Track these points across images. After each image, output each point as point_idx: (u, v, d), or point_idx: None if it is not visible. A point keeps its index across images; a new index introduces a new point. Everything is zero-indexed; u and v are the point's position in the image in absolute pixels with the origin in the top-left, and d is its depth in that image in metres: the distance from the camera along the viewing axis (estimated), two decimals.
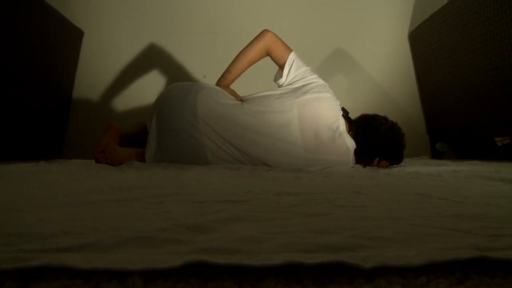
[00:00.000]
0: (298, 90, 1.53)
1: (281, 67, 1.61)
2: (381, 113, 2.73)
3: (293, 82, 1.58)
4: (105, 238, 0.36)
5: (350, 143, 1.48)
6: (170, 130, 1.42)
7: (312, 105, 1.49)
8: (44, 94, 2.25)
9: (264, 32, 1.62)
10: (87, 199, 0.61)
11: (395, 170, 1.29)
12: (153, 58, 2.70)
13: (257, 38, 1.61)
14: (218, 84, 1.58)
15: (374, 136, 1.53)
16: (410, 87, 2.81)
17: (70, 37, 2.52)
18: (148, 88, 2.66)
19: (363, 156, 1.52)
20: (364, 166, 1.50)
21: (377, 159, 1.52)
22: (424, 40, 2.62)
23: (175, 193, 0.66)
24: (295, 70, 1.60)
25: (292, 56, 1.61)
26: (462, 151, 2.74)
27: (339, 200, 0.61)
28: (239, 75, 1.61)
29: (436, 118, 2.66)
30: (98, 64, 2.69)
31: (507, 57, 1.88)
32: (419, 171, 1.25)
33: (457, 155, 2.73)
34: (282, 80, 1.60)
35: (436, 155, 2.70)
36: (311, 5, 2.87)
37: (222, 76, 1.60)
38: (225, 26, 2.78)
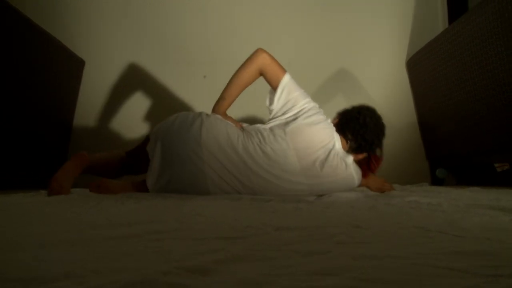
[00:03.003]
0: (289, 122, 1.53)
1: (274, 89, 1.58)
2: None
3: (285, 111, 1.57)
4: (106, 283, 0.36)
5: (349, 161, 1.50)
6: (174, 158, 1.43)
7: (303, 132, 1.49)
8: (45, 122, 2.26)
9: (258, 52, 1.58)
10: (87, 236, 0.61)
11: (396, 199, 1.29)
12: (152, 87, 2.73)
13: (250, 58, 1.57)
14: (214, 111, 1.58)
15: (364, 132, 1.59)
16: (409, 113, 2.83)
17: (72, 67, 2.55)
18: (148, 116, 2.69)
19: (361, 150, 1.59)
20: (366, 171, 1.60)
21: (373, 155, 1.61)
22: (421, 68, 2.65)
23: (175, 229, 0.66)
24: (287, 94, 1.57)
25: (286, 79, 1.57)
26: (462, 177, 2.74)
27: (339, 235, 0.61)
28: (234, 100, 1.59)
29: (435, 145, 2.67)
30: (99, 93, 2.72)
31: (504, 84, 1.91)
32: (419, 200, 1.25)
33: (457, 181, 2.73)
34: (273, 106, 1.58)
35: (436, 181, 2.70)
36: (310, 33, 2.92)
37: (217, 103, 1.58)
38: (222, 54, 2.82)
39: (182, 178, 1.44)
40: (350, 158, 1.52)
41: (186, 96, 2.78)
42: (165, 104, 2.74)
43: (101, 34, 2.79)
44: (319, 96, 2.86)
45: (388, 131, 2.78)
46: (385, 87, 2.88)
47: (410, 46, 2.89)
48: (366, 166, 1.65)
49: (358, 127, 1.58)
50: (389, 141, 2.78)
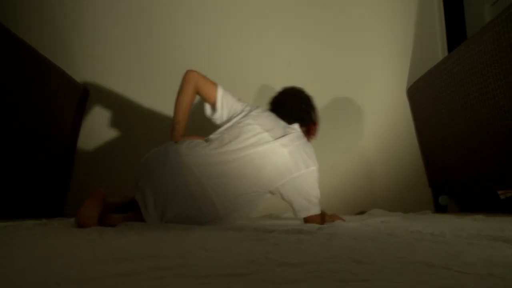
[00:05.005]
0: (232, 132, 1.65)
1: (213, 103, 1.72)
2: (383, 166, 2.76)
3: (230, 118, 1.72)
4: None
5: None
6: (169, 196, 1.48)
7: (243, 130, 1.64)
8: (48, 151, 2.27)
9: (188, 73, 1.70)
10: (90, 274, 0.61)
11: (398, 229, 1.29)
12: (156, 114, 2.75)
13: (183, 82, 1.69)
14: (174, 139, 1.65)
15: (285, 109, 1.82)
16: (411, 141, 2.84)
17: (76, 95, 2.58)
18: (153, 144, 2.69)
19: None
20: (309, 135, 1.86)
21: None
22: (422, 95, 2.68)
23: (178, 265, 0.66)
24: (226, 104, 1.73)
25: (220, 91, 1.73)
26: (465, 204, 2.73)
27: (341, 272, 0.61)
28: (186, 121, 1.69)
29: (437, 172, 2.67)
30: (102, 122, 2.73)
31: (504, 111, 1.92)
32: (422, 230, 1.25)
33: (460, 208, 2.72)
34: (217, 115, 1.74)
35: (439, 208, 2.69)
36: (310, 61, 2.96)
37: (174, 129, 1.67)
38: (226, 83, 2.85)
39: (183, 206, 1.49)
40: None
41: (191, 123, 2.79)
42: (169, 131, 2.76)
43: (105, 63, 2.83)
44: (321, 122, 2.88)
45: (390, 158, 2.81)
46: (386, 114, 2.90)
47: (410, 74, 2.93)
48: (308, 135, 1.87)
49: (279, 108, 1.84)
50: (391, 169, 2.80)
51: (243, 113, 1.72)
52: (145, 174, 1.55)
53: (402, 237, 1.09)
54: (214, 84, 1.74)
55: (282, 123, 1.75)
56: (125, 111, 2.77)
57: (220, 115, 1.74)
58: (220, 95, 1.73)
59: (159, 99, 2.74)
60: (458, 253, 0.80)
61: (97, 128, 2.73)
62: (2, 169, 1.87)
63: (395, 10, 3.06)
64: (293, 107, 1.85)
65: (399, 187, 2.76)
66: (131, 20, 2.90)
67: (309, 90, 2.90)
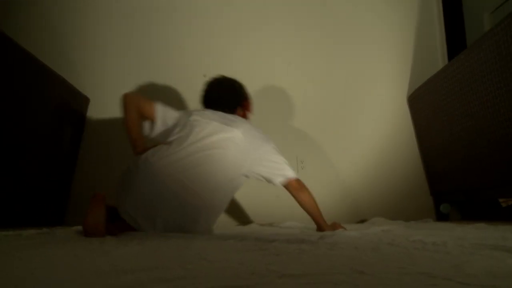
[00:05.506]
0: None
1: (153, 118, 1.83)
2: (382, 175, 2.76)
3: (172, 126, 1.82)
4: None
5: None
6: (157, 203, 1.56)
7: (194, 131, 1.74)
8: (49, 159, 2.28)
9: (125, 97, 1.82)
10: (92, 286, 0.61)
11: (400, 238, 1.28)
12: None
13: (125, 104, 1.80)
14: (137, 153, 1.72)
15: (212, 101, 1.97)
16: (412, 149, 2.84)
17: (76, 104, 2.59)
18: None
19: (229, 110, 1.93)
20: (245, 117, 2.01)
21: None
22: (422, 103, 2.68)
23: (180, 277, 0.66)
24: (167, 114, 1.85)
25: (158, 105, 1.85)
26: (467, 212, 2.73)
27: (343, 284, 0.61)
28: (141, 135, 1.81)
29: (439, 180, 2.66)
30: (103, 130, 2.74)
31: (504, 120, 1.92)
32: (423, 239, 1.24)
33: (462, 216, 2.71)
34: (157, 128, 1.83)
35: (441, 217, 2.68)
36: (312, 70, 2.97)
37: (134, 146, 1.76)
38: None
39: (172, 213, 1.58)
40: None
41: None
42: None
43: (105, 71, 2.84)
44: (320, 131, 2.88)
45: (391, 166, 2.81)
46: (387, 122, 2.91)
47: (411, 82, 2.93)
48: (245, 112, 2.05)
49: (210, 102, 1.97)
50: (392, 177, 2.80)
51: (187, 115, 1.83)
52: (125, 194, 1.61)
53: (403, 247, 1.09)
54: (152, 101, 1.87)
55: (221, 113, 1.87)
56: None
57: (161, 125, 1.83)
58: (159, 108, 1.85)
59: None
60: (460, 263, 0.80)
61: (98, 136, 2.73)
62: (3, 177, 1.87)
63: (395, 19, 3.08)
64: (219, 96, 1.98)
65: (400, 195, 2.76)
66: (131, 28, 2.92)
67: (310, 98, 2.93)
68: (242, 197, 2.69)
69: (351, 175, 2.82)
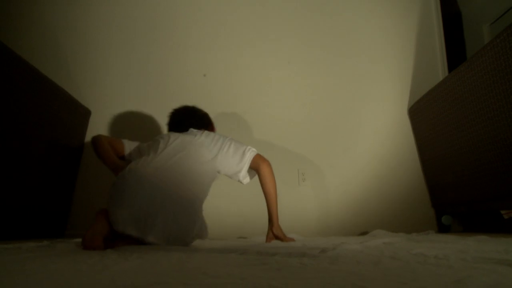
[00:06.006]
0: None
1: (122, 150, 2.06)
2: (383, 187, 2.76)
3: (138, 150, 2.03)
4: None
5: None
6: (137, 205, 1.61)
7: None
8: (49, 172, 2.27)
9: (95, 139, 2.01)
10: None
11: (402, 252, 1.28)
12: (156, 135, 2.74)
13: (97, 142, 1.98)
14: (118, 171, 1.79)
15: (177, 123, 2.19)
16: (413, 160, 2.84)
17: (78, 116, 2.59)
18: None
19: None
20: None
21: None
22: (423, 115, 2.68)
23: None
24: (134, 145, 2.09)
25: (126, 142, 2.10)
26: (469, 224, 2.71)
27: None
28: (118, 161, 1.95)
29: (440, 192, 2.66)
30: None
31: (505, 131, 1.92)
32: (425, 253, 1.24)
33: (464, 228, 2.70)
34: (129, 152, 2.06)
35: (443, 228, 2.67)
36: (314, 82, 2.98)
37: (115, 169, 1.88)
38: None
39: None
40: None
41: None
42: None
43: (106, 83, 2.85)
44: (321, 144, 2.88)
45: (392, 178, 2.81)
46: (388, 134, 2.91)
47: (411, 94, 2.94)
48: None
49: (173, 126, 2.20)
50: (393, 189, 2.80)
51: (151, 141, 2.02)
52: (118, 206, 1.61)
53: (405, 261, 1.08)
54: (118, 138, 2.12)
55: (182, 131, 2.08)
56: (126, 132, 2.78)
57: (132, 150, 2.07)
58: (127, 142, 2.10)
59: (160, 120, 2.75)
60: (462, 278, 0.79)
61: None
62: (3, 189, 1.87)
63: (395, 31, 3.10)
64: (182, 121, 2.18)
65: (402, 207, 2.75)
66: (133, 41, 2.94)
67: (310, 111, 2.93)
68: (241, 209, 2.68)
69: (352, 188, 2.81)
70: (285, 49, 3.02)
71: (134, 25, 2.97)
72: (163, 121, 2.75)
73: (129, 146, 2.09)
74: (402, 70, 3.03)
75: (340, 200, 2.79)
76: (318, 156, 2.86)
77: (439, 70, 3.01)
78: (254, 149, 2.02)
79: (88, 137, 2.72)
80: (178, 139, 1.92)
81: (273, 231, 2.00)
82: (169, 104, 2.81)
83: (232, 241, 2.23)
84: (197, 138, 1.96)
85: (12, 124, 1.86)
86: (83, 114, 2.65)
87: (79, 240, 1.64)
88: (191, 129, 2.09)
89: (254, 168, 2.01)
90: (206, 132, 2.05)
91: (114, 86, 2.85)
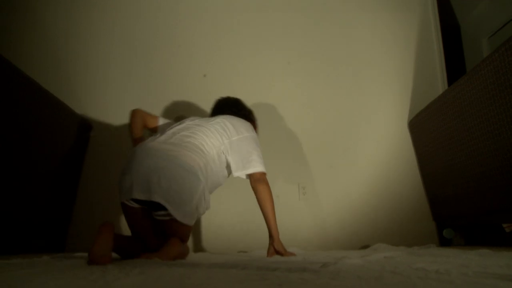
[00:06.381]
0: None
1: (155, 124, 2.22)
2: (384, 200, 2.76)
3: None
4: None
5: None
6: (145, 168, 1.75)
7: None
8: (50, 185, 2.28)
9: (132, 112, 2.19)
10: None
11: (403, 266, 1.27)
12: None
13: (132, 117, 2.17)
14: (135, 143, 2.06)
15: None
16: (414, 174, 2.84)
17: (79, 130, 2.60)
18: None
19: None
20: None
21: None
22: (423, 129, 2.69)
23: None
24: (167, 123, 2.23)
25: (161, 118, 2.26)
26: (471, 237, 2.70)
27: None
28: (141, 136, 2.16)
29: (441, 206, 2.65)
30: (105, 157, 2.75)
31: (505, 144, 1.92)
32: (427, 267, 1.23)
33: (465, 241, 2.69)
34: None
35: (444, 242, 2.66)
36: (315, 95, 3.00)
37: (133, 140, 2.12)
38: None
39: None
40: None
41: None
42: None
43: (108, 98, 2.87)
44: (322, 158, 2.89)
45: (393, 191, 2.80)
46: (388, 148, 2.92)
47: (411, 107, 2.96)
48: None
49: (215, 109, 2.34)
50: (394, 202, 2.79)
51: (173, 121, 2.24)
52: (126, 173, 1.78)
53: (406, 276, 1.08)
54: (154, 115, 2.28)
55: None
56: (126, 145, 2.78)
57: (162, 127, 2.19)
58: (161, 119, 2.26)
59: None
60: None
61: (99, 161, 2.74)
62: (4, 203, 1.87)
63: (395, 44, 3.13)
64: (223, 107, 2.31)
65: (403, 221, 2.74)
66: (134, 56, 2.96)
67: (311, 124, 2.94)
68: (242, 222, 2.68)
69: (353, 201, 2.81)
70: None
71: (134, 32, 2.99)
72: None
73: (163, 121, 2.26)
74: (401, 83, 3.05)
75: (340, 214, 2.79)
76: (319, 170, 2.86)
77: (439, 83, 3.02)
78: (262, 164, 2.05)
79: (89, 151, 2.72)
80: (194, 120, 2.08)
81: (274, 246, 2.00)
82: (170, 112, 2.82)
83: (232, 255, 2.22)
84: (216, 121, 2.07)
85: (13, 138, 1.87)
86: (84, 128, 2.66)
87: (80, 254, 1.65)
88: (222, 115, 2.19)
89: (252, 184, 2.04)
90: (235, 118, 2.15)
91: (116, 101, 2.86)
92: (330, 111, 2.98)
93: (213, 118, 2.11)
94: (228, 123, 2.07)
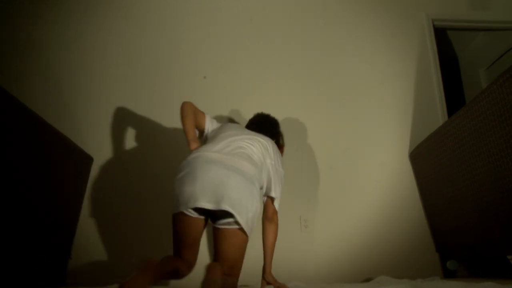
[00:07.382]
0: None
1: (202, 127, 2.22)
2: (386, 232, 2.73)
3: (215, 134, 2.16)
4: None
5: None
6: (208, 180, 1.78)
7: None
8: (49, 219, 2.25)
9: (183, 104, 2.15)
10: None
11: None
12: (159, 182, 2.74)
13: (183, 110, 2.13)
14: (193, 148, 1.99)
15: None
16: (416, 206, 2.82)
17: (80, 164, 2.59)
18: (157, 213, 2.66)
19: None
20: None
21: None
22: (424, 160, 2.69)
23: None
24: (212, 125, 2.24)
25: (208, 118, 2.25)
26: (475, 268, 2.66)
27: None
28: (196, 134, 2.14)
29: (444, 237, 2.62)
30: (106, 191, 2.72)
31: (506, 176, 1.92)
32: None
33: (469, 273, 2.65)
34: (207, 130, 2.22)
35: (448, 274, 2.62)
36: (313, 126, 3.00)
37: (191, 143, 2.04)
38: None
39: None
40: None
41: None
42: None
43: (109, 130, 2.86)
44: (324, 190, 2.87)
45: (395, 224, 2.78)
46: (389, 180, 2.90)
47: (412, 139, 2.96)
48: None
49: (256, 124, 2.38)
50: (397, 234, 2.76)
51: (220, 125, 2.26)
52: (188, 184, 1.78)
53: None
54: (203, 112, 2.26)
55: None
56: (128, 179, 2.77)
57: (208, 128, 2.22)
58: (208, 117, 2.25)
59: (162, 167, 2.74)
60: None
61: (100, 196, 2.71)
62: (3, 237, 1.85)
63: (395, 77, 3.16)
64: (263, 125, 2.36)
65: (406, 252, 2.71)
66: (136, 85, 2.98)
67: (312, 156, 2.93)
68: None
69: (355, 233, 2.78)
70: (286, 95, 3.07)
71: (138, 67, 3.02)
72: (166, 166, 2.73)
73: (210, 122, 2.24)
74: (402, 114, 3.06)
75: (343, 246, 2.75)
76: (320, 203, 2.84)
77: (439, 114, 3.03)
78: (278, 206, 2.14)
79: (90, 183, 2.70)
80: (243, 130, 2.18)
81: (266, 278, 2.07)
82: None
83: None
84: (261, 139, 2.12)
85: (10, 171, 1.86)
86: (85, 161, 2.65)
87: None
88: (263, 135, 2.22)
89: (266, 214, 2.12)
90: (275, 146, 2.23)
91: (117, 133, 2.86)
92: (331, 144, 2.97)
93: (257, 134, 2.18)
94: (270, 148, 2.14)
